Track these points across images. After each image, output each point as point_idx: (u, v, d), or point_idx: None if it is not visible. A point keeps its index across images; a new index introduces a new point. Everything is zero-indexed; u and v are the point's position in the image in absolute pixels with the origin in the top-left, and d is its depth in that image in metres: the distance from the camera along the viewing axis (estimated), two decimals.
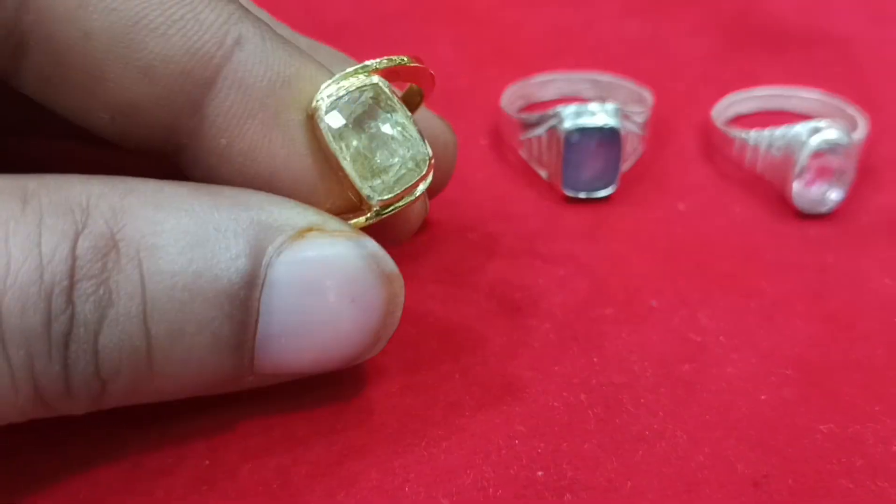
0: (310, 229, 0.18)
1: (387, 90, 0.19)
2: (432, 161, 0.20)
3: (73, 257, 0.16)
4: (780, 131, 0.29)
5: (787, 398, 0.22)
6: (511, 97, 0.33)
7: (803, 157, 0.28)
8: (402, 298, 0.19)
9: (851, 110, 0.32)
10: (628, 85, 0.33)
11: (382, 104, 0.19)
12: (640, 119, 0.30)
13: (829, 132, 0.28)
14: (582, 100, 0.33)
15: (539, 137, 0.29)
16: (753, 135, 0.30)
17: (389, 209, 0.19)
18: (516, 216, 0.29)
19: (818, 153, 0.28)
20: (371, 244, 0.19)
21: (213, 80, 0.18)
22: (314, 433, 0.21)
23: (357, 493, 0.19)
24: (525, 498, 0.19)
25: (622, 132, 0.28)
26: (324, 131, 0.19)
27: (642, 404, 0.22)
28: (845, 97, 0.33)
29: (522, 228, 0.28)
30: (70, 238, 0.16)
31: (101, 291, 0.16)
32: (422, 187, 0.20)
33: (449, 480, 0.20)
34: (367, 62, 0.19)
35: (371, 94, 0.19)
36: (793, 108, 0.34)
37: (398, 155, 0.19)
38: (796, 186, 0.28)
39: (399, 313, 0.19)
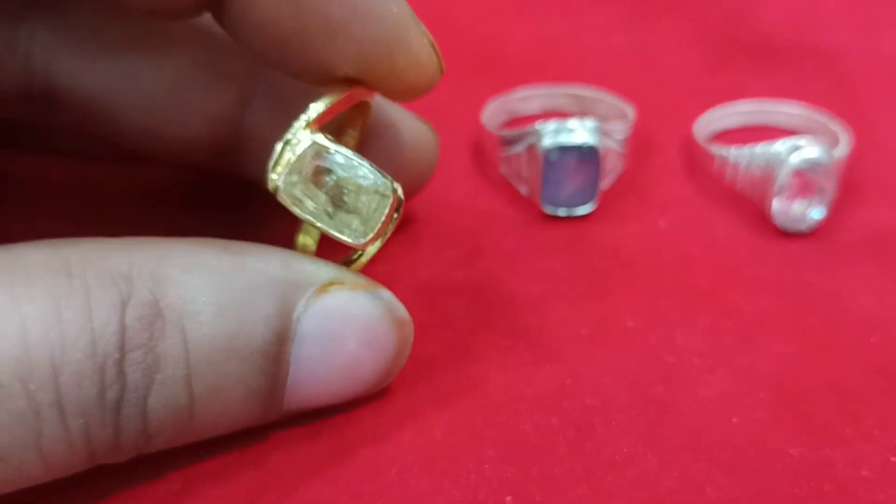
0: (332, 283, 0.20)
1: (326, 143, 0.20)
2: (395, 186, 0.20)
3: (123, 328, 0.17)
4: (759, 148, 0.29)
5: (760, 420, 0.22)
6: (492, 112, 0.33)
7: (783, 176, 0.28)
8: (411, 339, 0.21)
9: (835, 126, 0.32)
10: (610, 100, 0.33)
11: (328, 157, 0.20)
12: (620, 136, 0.30)
13: (809, 150, 0.28)
14: (564, 115, 0.33)
15: (518, 154, 0.29)
16: (734, 152, 0.30)
17: (378, 243, 0.20)
18: (495, 233, 0.29)
19: (798, 171, 0.28)
20: (386, 294, 0.20)
21: None
22: (284, 456, 0.21)
23: None
24: None
25: (601, 150, 0.28)
26: (289, 207, 0.20)
27: (614, 427, 0.22)
28: (831, 111, 0.33)
29: (501, 245, 0.28)
30: (118, 310, 0.17)
31: (149, 359, 0.17)
32: (395, 213, 0.20)
33: None
34: (305, 115, 0.20)
35: (312, 154, 0.19)
36: (776, 122, 0.34)
37: (362, 192, 0.20)
38: (776, 204, 0.28)
39: (408, 352, 0.21)
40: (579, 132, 0.28)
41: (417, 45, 0.21)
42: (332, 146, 0.19)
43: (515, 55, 0.40)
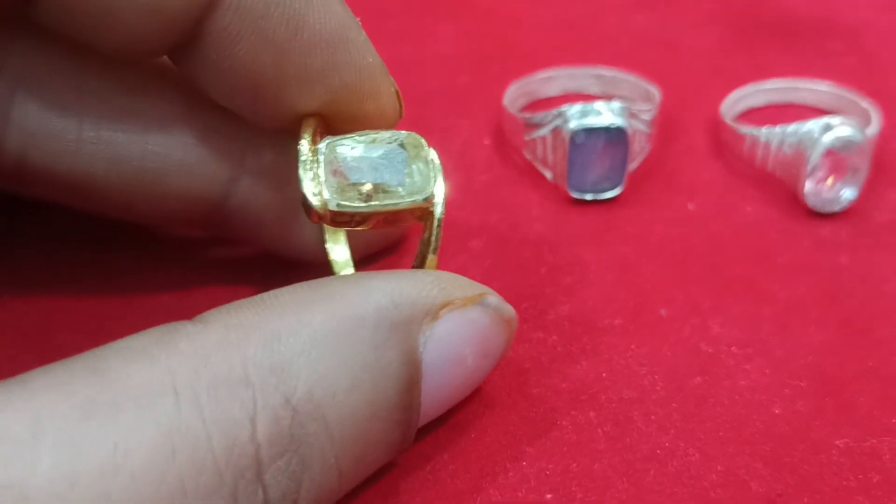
0: (442, 306, 0.18)
1: (336, 138, 0.19)
2: (421, 138, 0.20)
3: (256, 444, 0.15)
4: (791, 128, 0.28)
5: (802, 411, 0.21)
6: (514, 95, 0.32)
7: (815, 156, 0.27)
8: (515, 329, 0.21)
9: (865, 104, 0.31)
10: (634, 80, 0.32)
11: (341, 146, 0.19)
12: (647, 117, 0.29)
13: (842, 129, 0.27)
14: (587, 97, 0.32)
15: (543, 138, 0.29)
16: (765, 132, 0.29)
17: (441, 195, 0.20)
18: (521, 220, 0.28)
19: (831, 151, 0.27)
20: (493, 299, 0.20)
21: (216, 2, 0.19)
22: None
23: None
24: None
25: (629, 131, 0.28)
26: (344, 211, 0.19)
27: (653, 421, 0.21)
28: (858, 89, 0.32)
29: (528, 233, 0.27)
30: (246, 426, 0.15)
31: (293, 463, 0.16)
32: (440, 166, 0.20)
33: None
34: (304, 138, 0.19)
35: (332, 155, 0.19)
36: (804, 101, 0.33)
37: (402, 161, 0.19)
38: (808, 185, 0.28)
39: (511, 342, 0.21)
40: (606, 114, 0.27)
41: (385, 94, 0.21)
42: (340, 138, 0.19)
43: (535, 37, 0.39)
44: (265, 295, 0.17)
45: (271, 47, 0.19)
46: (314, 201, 0.19)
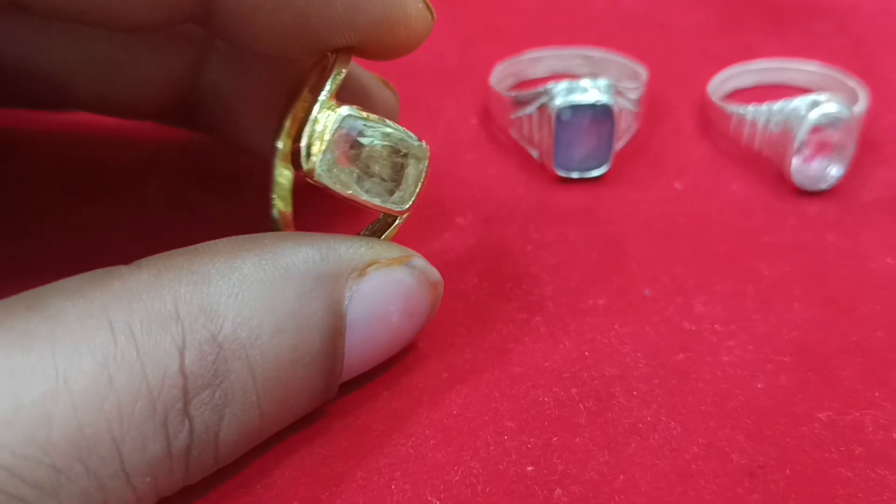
0: (369, 264, 0.19)
1: (358, 113, 0.19)
2: (425, 146, 0.20)
3: (184, 375, 0.16)
4: (777, 106, 0.28)
5: (784, 385, 0.21)
6: (501, 75, 0.32)
7: (802, 132, 0.27)
8: (441, 295, 0.21)
9: (852, 83, 0.31)
10: (622, 60, 0.32)
11: (357, 126, 0.19)
12: (633, 95, 0.29)
13: (829, 106, 0.27)
14: (574, 77, 0.32)
15: (529, 116, 0.29)
16: (751, 110, 0.29)
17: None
18: (507, 199, 0.28)
19: (817, 128, 0.27)
20: (419, 261, 0.20)
21: None
22: (296, 436, 0.20)
23: (341, 492, 0.19)
24: (515, 493, 0.19)
25: (615, 109, 0.28)
26: (329, 187, 0.19)
27: (635, 396, 0.21)
28: (845, 69, 0.32)
29: (514, 212, 0.27)
30: (175, 358, 0.16)
31: (216, 396, 0.17)
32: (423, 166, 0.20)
33: (436, 478, 0.19)
34: (321, 98, 0.19)
35: (347, 128, 0.19)
36: (791, 81, 0.33)
37: (400, 159, 0.20)
38: (795, 162, 0.28)
39: (438, 306, 0.21)
40: (592, 91, 0.27)
41: (414, 15, 0.21)
42: (359, 114, 0.19)
43: (523, 19, 0.39)
44: (201, 244, 0.18)
45: (290, 7, 0.19)
46: (304, 162, 0.19)
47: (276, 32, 0.20)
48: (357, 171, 0.19)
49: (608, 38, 0.35)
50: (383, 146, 0.19)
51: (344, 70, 0.20)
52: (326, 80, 0.20)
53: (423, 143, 0.20)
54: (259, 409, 0.18)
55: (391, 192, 0.20)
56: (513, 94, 0.29)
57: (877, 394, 0.21)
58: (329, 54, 0.21)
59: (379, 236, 0.21)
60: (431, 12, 0.22)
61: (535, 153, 0.29)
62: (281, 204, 0.22)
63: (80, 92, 0.23)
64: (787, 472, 0.19)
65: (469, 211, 0.27)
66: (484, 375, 0.22)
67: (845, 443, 0.20)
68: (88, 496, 0.15)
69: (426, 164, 0.20)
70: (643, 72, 0.31)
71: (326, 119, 0.19)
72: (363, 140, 0.19)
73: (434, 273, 0.21)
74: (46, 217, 0.26)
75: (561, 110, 0.27)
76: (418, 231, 0.26)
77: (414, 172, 0.20)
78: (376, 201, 0.20)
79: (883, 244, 0.26)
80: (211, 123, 0.25)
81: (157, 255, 0.18)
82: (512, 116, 0.29)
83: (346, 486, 0.19)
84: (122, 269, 0.17)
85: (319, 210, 0.26)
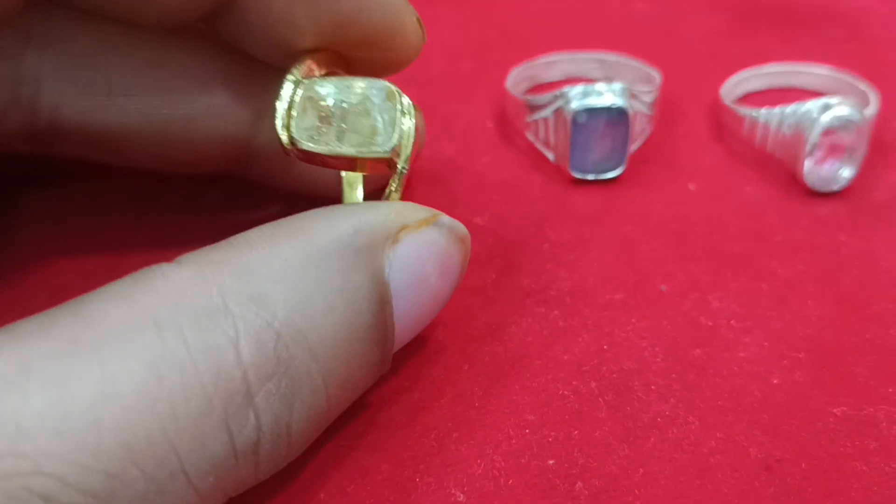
0: (400, 230, 0.19)
1: (315, 79, 0.20)
2: (395, 89, 0.20)
3: (242, 368, 0.16)
4: (790, 109, 0.28)
5: (800, 381, 0.22)
6: (516, 79, 0.33)
7: (814, 135, 0.28)
8: (470, 249, 0.21)
9: (863, 86, 0.31)
10: (636, 64, 0.33)
11: (323, 90, 0.20)
12: (648, 98, 0.30)
13: (841, 108, 0.28)
14: (588, 80, 0.32)
15: (545, 119, 0.29)
16: (764, 113, 0.29)
17: (407, 150, 0.20)
18: (524, 200, 0.28)
19: (829, 130, 0.28)
20: (445, 219, 0.20)
21: None
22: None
23: (367, 485, 0.19)
24: (537, 486, 0.19)
25: (630, 112, 0.28)
26: (312, 149, 0.20)
27: (653, 391, 0.21)
28: (857, 73, 0.32)
29: (530, 212, 0.28)
30: (229, 351, 0.16)
31: (283, 385, 0.17)
32: (410, 120, 0.20)
33: (460, 471, 0.20)
34: (287, 77, 0.20)
35: (309, 93, 0.20)
36: (803, 84, 0.34)
37: (371, 108, 0.20)
38: (807, 164, 0.28)
39: (468, 261, 0.21)
40: (607, 94, 0.28)
41: (409, 25, 0.22)
42: (321, 80, 0.20)
43: (536, 24, 0.40)
44: (233, 237, 0.18)
45: (303, 1, 0.20)
46: (282, 135, 0.20)
47: (286, 27, 0.20)
48: (333, 129, 0.20)
49: (621, 42, 0.36)
50: (355, 103, 0.20)
51: (304, 64, 0.21)
52: (290, 69, 0.20)
53: (392, 86, 0.20)
54: (325, 393, 0.18)
55: (375, 141, 0.20)
56: (528, 97, 0.30)
57: (890, 390, 0.22)
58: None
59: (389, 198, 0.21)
60: (423, 31, 0.22)
61: (550, 155, 0.30)
62: (354, 195, 0.23)
63: (138, 153, 0.24)
64: (804, 465, 0.20)
65: (486, 211, 0.28)
66: (504, 368, 0.22)
67: (860, 437, 0.20)
68: (147, 500, 0.15)
69: (399, 105, 0.20)
70: (657, 75, 0.31)
71: (293, 92, 0.20)
72: (331, 101, 0.20)
73: (461, 228, 0.21)
74: (72, 218, 0.27)
75: (577, 113, 0.28)
76: None
77: (388, 116, 0.20)
78: (362, 150, 0.20)
79: (894, 244, 0.26)
80: (266, 178, 0.25)
81: (195, 252, 0.18)
82: (528, 119, 0.30)
83: (372, 478, 0.20)
84: (164, 266, 0.17)
85: None
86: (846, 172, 0.28)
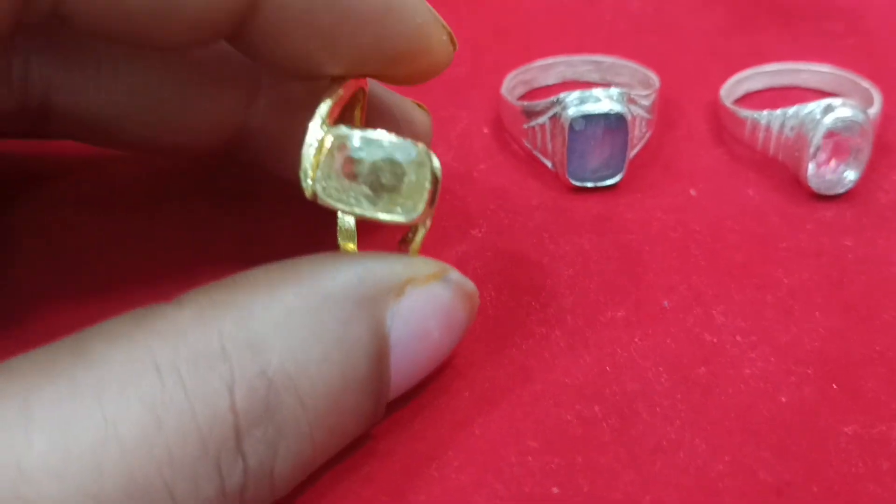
0: (406, 282, 0.19)
1: (346, 132, 0.19)
2: (427, 151, 0.19)
3: (235, 413, 0.16)
4: (792, 110, 0.28)
5: (808, 398, 0.21)
6: (511, 83, 0.32)
7: (817, 137, 0.27)
8: (477, 305, 0.21)
9: (865, 84, 0.31)
10: (633, 66, 0.32)
11: (353, 145, 0.19)
12: (646, 102, 0.29)
13: (843, 110, 0.27)
14: (585, 84, 0.32)
15: (542, 126, 0.28)
16: (765, 115, 0.29)
17: (429, 215, 0.20)
18: (522, 209, 0.28)
19: (832, 132, 0.27)
20: (454, 275, 0.20)
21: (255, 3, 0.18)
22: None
23: None
24: None
25: (629, 117, 0.27)
26: (332, 207, 0.19)
27: (658, 412, 0.21)
28: (858, 70, 0.32)
29: (528, 222, 0.27)
30: (225, 396, 0.16)
31: (269, 431, 0.17)
32: (436, 168, 0.19)
33: (461, 500, 0.19)
34: (311, 124, 0.19)
35: (337, 147, 0.19)
36: (804, 83, 0.33)
37: (398, 168, 0.19)
38: (811, 167, 0.27)
39: (474, 317, 0.21)
40: (605, 100, 0.27)
41: (437, 45, 0.21)
42: (353, 132, 0.19)
43: (531, 25, 0.39)
44: (237, 276, 0.18)
45: (319, 35, 0.19)
46: (306, 187, 0.19)
47: (303, 57, 0.20)
48: (358, 187, 0.19)
49: (617, 40, 0.35)
50: (381, 159, 0.19)
51: (339, 91, 0.20)
52: (328, 100, 0.20)
53: (422, 147, 0.19)
54: (311, 440, 0.17)
55: (398, 204, 0.19)
56: (525, 103, 0.29)
57: None
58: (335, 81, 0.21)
59: (407, 249, 0.21)
60: (454, 44, 0.22)
61: (548, 162, 0.29)
62: (349, 245, 0.22)
63: (129, 134, 0.23)
64: (815, 489, 0.19)
65: (484, 222, 0.27)
66: (505, 393, 0.21)
67: (872, 457, 0.20)
68: None
69: (429, 168, 0.19)
70: (654, 77, 0.31)
71: (318, 141, 0.19)
72: (358, 156, 0.19)
73: (470, 285, 0.21)
74: (72, 234, 0.26)
75: (574, 120, 0.27)
76: (434, 243, 0.26)
77: (417, 180, 0.19)
78: (382, 216, 0.19)
79: None
80: (259, 160, 0.25)
81: (196, 290, 0.17)
82: (524, 126, 0.29)
83: None
84: (165, 307, 0.17)
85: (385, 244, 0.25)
86: (851, 175, 0.28)
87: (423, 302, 0.19)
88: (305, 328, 0.17)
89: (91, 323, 0.19)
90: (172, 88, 0.23)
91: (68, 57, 0.22)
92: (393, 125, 0.25)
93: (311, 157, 0.19)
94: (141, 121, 0.23)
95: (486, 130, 0.32)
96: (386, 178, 0.19)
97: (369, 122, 0.24)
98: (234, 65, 0.23)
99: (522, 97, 0.33)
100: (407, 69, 0.21)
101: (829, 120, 0.27)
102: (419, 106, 0.26)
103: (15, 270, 0.25)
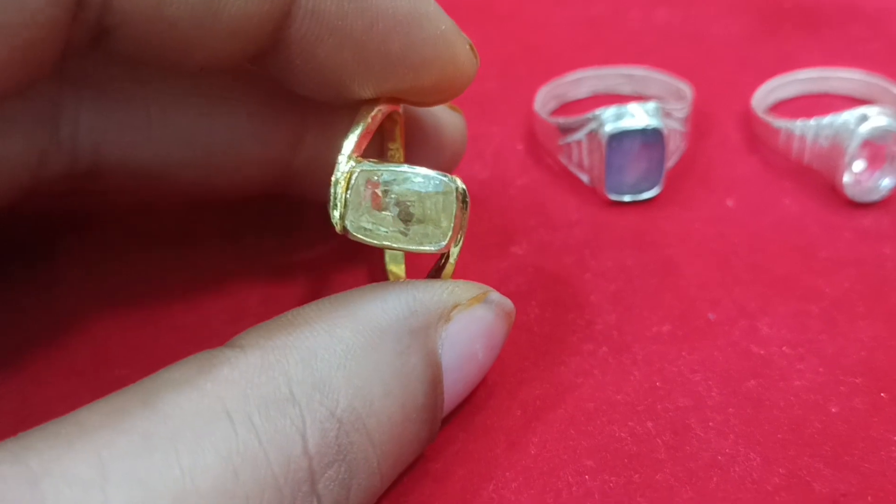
0: (453, 308, 0.20)
1: (372, 167, 0.19)
2: (454, 180, 0.19)
3: (308, 457, 0.16)
4: (826, 120, 0.28)
5: (859, 408, 0.21)
6: (544, 98, 0.32)
7: (853, 147, 0.27)
8: (514, 321, 0.22)
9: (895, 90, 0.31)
10: (665, 78, 0.32)
11: (380, 179, 0.19)
12: (680, 115, 0.29)
13: (879, 119, 0.27)
14: (617, 97, 0.32)
15: (579, 142, 0.29)
16: (799, 125, 0.29)
17: (459, 242, 0.20)
18: (561, 225, 0.28)
19: (868, 141, 0.27)
20: (494, 296, 0.21)
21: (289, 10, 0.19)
22: None
23: None
24: None
25: (665, 131, 0.28)
26: (363, 241, 0.19)
27: (711, 427, 0.21)
28: (885, 74, 0.32)
29: (569, 238, 0.27)
30: (297, 441, 0.16)
31: (342, 471, 0.17)
32: (462, 192, 0.19)
33: None
34: (339, 158, 0.19)
35: (363, 182, 0.19)
36: (835, 90, 0.33)
37: (425, 199, 0.19)
38: (847, 176, 0.28)
39: (510, 331, 0.22)
40: (641, 115, 0.27)
41: (461, 54, 0.21)
42: (379, 167, 0.19)
43: (558, 38, 0.39)
44: (290, 314, 0.18)
45: (350, 43, 0.19)
46: (335, 223, 0.19)
47: (334, 69, 0.20)
48: (387, 220, 0.19)
49: (646, 52, 0.35)
50: (407, 191, 0.19)
51: (365, 121, 0.20)
52: (353, 134, 0.20)
53: (447, 178, 0.19)
54: (379, 474, 0.18)
55: (427, 234, 0.19)
56: (560, 120, 0.29)
57: None
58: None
59: (439, 275, 0.21)
60: (476, 56, 0.22)
61: (585, 178, 0.29)
62: (396, 269, 0.23)
63: (180, 184, 0.23)
64: (870, 499, 0.19)
65: (524, 239, 0.27)
66: (558, 412, 0.22)
67: None
68: None
69: (455, 197, 0.19)
70: (687, 90, 0.31)
71: (345, 178, 0.19)
72: (385, 189, 0.19)
73: (508, 304, 0.21)
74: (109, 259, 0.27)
75: (611, 136, 0.27)
76: (476, 262, 0.27)
77: (444, 210, 0.19)
78: (412, 247, 0.19)
79: None
80: (309, 192, 0.25)
81: (252, 332, 0.18)
82: (560, 142, 0.29)
83: None
84: (227, 352, 0.17)
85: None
86: (887, 182, 0.28)
87: (468, 325, 0.20)
88: (366, 365, 0.18)
89: (142, 354, 0.20)
90: (222, 132, 0.23)
91: (117, 106, 0.22)
92: (436, 138, 0.25)
93: (340, 193, 0.19)
94: (192, 169, 0.23)
95: (519, 147, 0.32)
96: (414, 210, 0.19)
97: (414, 138, 0.24)
98: (280, 103, 0.23)
99: (555, 112, 0.33)
100: (434, 80, 0.21)
101: (864, 129, 0.27)
102: (452, 108, 0.26)
103: (58, 319, 0.25)
